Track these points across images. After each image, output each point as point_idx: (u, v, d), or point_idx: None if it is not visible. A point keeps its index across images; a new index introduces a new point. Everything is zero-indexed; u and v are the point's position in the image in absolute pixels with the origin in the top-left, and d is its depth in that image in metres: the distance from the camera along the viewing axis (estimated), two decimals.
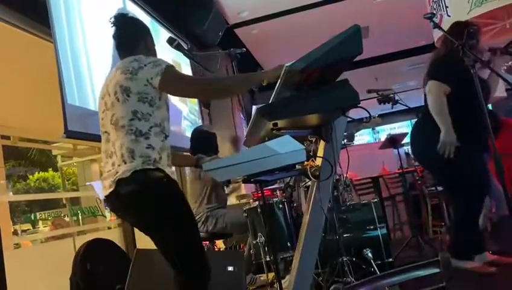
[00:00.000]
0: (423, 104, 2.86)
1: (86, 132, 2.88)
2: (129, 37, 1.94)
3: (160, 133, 1.78)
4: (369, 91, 3.72)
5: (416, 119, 3.12)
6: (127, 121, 1.73)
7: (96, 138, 3.10)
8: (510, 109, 6.67)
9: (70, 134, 2.68)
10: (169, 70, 1.77)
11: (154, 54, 2.01)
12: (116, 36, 1.95)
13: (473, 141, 2.72)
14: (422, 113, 2.89)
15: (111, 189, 1.72)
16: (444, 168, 2.75)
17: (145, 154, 1.70)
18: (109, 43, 3.29)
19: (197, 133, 3.74)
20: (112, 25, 1.95)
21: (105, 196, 1.78)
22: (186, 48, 2.35)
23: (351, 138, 3.10)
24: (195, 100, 5.10)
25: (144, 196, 1.70)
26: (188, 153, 3.47)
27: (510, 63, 7.23)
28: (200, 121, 5.04)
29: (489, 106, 8.16)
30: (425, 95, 2.80)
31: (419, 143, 2.92)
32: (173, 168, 1.89)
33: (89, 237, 3.18)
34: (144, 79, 1.74)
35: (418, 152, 3.01)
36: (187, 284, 1.75)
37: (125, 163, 1.70)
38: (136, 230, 3.59)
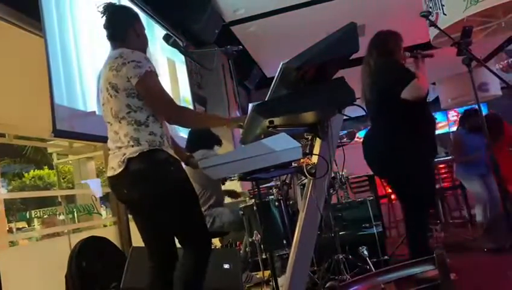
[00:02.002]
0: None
1: (74, 131, 2.88)
2: (119, 27, 1.97)
3: (156, 121, 1.87)
4: None
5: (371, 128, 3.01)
6: (125, 114, 1.83)
7: (85, 137, 3.13)
8: (505, 107, 6.70)
9: (58, 133, 2.69)
10: (148, 77, 1.81)
11: (144, 38, 2.04)
12: (107, 27, 1.98)
13: (428, 148, 2.76)
14: (382, 122, 2.83)
15: (120, 169, 1.80)
16: (409, 177, 2.69)
17: (149, 139, 1.81)
18: (101, 43, 3.29)
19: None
20: (102, 15, 1.97)
21: (111, 177, 1.87)
22: (182, 45, 2.34)
23: (352, 136, 3.08)
24: (189, 99, 5.09)
25: (151, 174, 1.81)
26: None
27: (505, 62, 7.26)
28: None
29: (485, 106, 8.22)
30: (385, 106, 2.75)
31: (384, 148, 2.78)
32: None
33: (85, 234, 3.17)
34: (125, 76, 1.80)
35: (381, 158, 2.82)
36: (199, 255, 1.90)
37: (133, 147, 1.80)
38: (131, 228, 3.59)
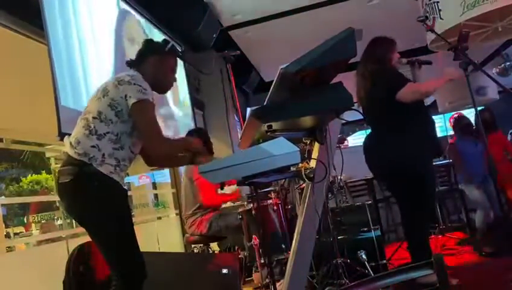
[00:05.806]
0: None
1: None
2: (138, 56, 2.03)
3: (114, 142, 1.81)
4: None
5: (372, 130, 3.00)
6: (90, 117, 1.81)
7: None
8: (502, 111, 6.71)
9: (64, 136, 2.67)
10: (145, 105, 1.79)
11: (162, 74, 2.02)
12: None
13: (429, 150, 2.77)
14: (385, 125, 2.81)
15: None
16: (410, 178, 2.69)
17: (86, 150, 1.77)
18: (104, 45, 3.30)
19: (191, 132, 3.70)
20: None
21: None
22: (180, 50, 2.35)
23: (341, 141, 3.09)
24: (188, 103, 5.10)
25: (71, 188, 1.77)
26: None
27: (502, 65, 7.29)
28: (193, 124, 5.03)
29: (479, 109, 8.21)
30: (387, 107, 2.75)
31: (386, 152, 2.77)
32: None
33: (83, 239, 3.16)
34: (123, 93, 1.79)
35: (384, 160, 2.80)
36: (120, 285, 1.81)
37: (70, 147, 1.80)
38: None
